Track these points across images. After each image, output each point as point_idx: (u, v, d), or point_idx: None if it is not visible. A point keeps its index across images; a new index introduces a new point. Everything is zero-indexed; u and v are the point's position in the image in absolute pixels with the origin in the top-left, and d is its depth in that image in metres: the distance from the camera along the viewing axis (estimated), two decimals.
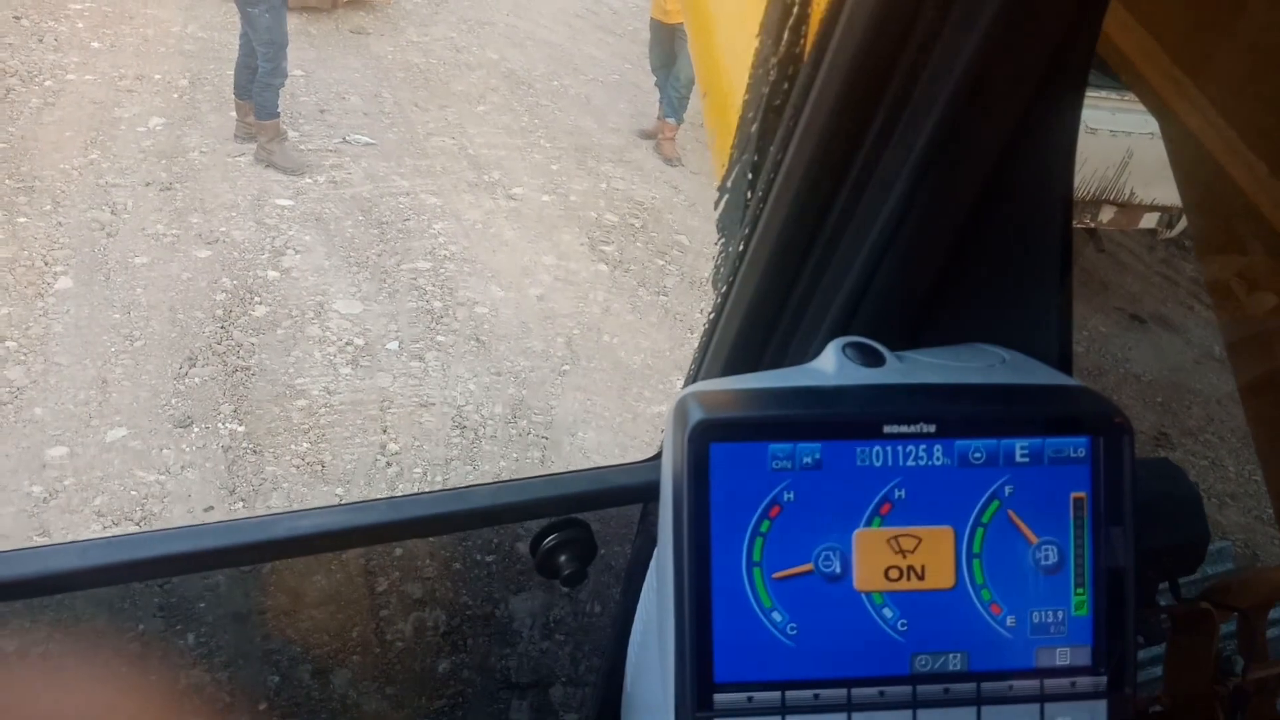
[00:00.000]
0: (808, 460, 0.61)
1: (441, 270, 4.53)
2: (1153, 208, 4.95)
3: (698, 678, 0.60)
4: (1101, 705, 0.62)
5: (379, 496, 0.94)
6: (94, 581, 0.77)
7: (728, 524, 0.61)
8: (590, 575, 1.00)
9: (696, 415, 0.61)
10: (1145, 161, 4.51)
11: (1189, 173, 1.22)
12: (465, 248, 4.71)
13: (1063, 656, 0.63)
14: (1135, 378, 4.88)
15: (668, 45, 5.84)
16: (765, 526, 0.61)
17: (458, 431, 3.70)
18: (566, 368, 4.11)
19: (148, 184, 4.76)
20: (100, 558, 0.75)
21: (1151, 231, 5.28)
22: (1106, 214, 4.96)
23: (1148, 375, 4.92)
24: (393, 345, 4.03)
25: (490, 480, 0.85)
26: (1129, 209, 4.94)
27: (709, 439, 0.60)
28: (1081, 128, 0.76)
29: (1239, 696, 1.24)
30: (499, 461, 3.62)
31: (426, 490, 0.90)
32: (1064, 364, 0.74)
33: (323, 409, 3.67)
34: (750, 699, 0.60)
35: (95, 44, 6.01)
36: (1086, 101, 0.75)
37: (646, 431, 3.88)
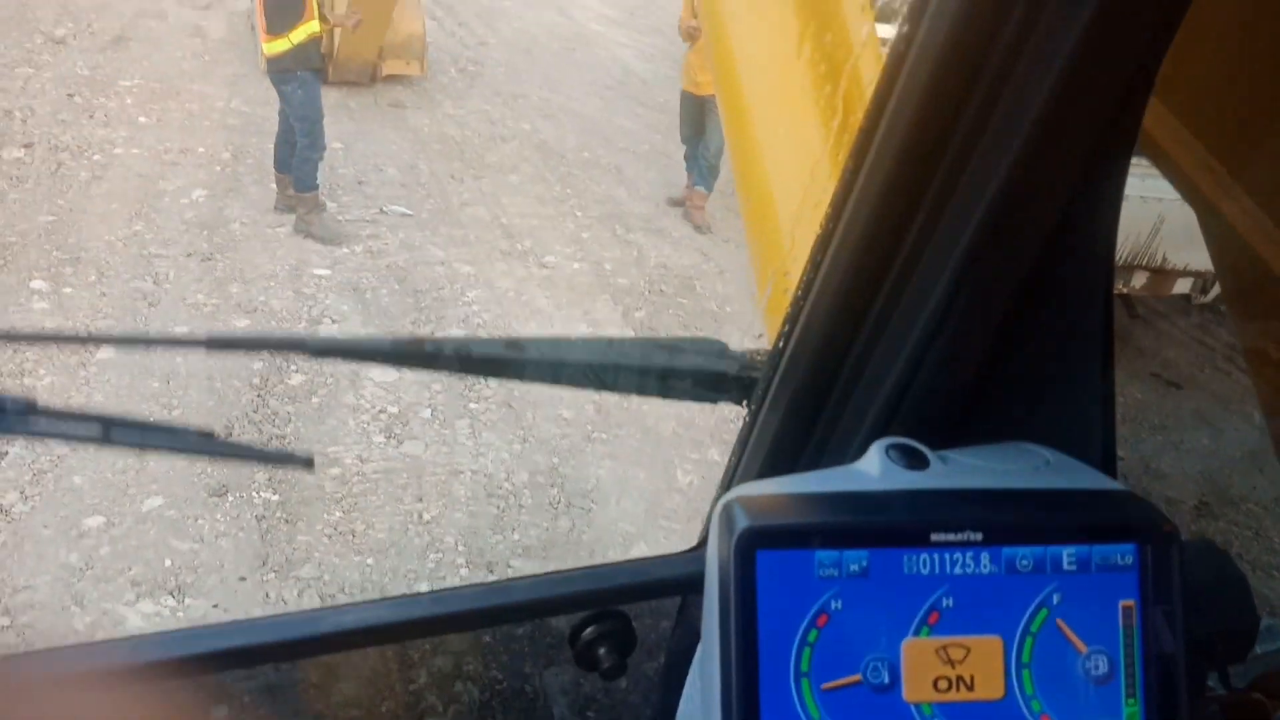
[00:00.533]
0: (855, 568, 0.61)
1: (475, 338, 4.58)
2: (1185, 273, 4.92)
3: None
4: None
5: (416, 592, 0.95)
6: (134, 679, 0.78)
7: (775, 633, 0.60)
8: (629, 667, 1.00)
9: (743, 522, 0.61)
10: (1177, 227, 4.50)
11: (1228, 260, 1.22)
12: (498, 315, 4.77)
13: None
14: (1174, 445, 4.80)
15: (698, 116, 5.95)
16: (813, 636, 0.61)
17: (489, 500, 3.70)
18: (596, 435, 4.12)
19: (189, 254, 4.88)
20: (140, 655, 0.75)
21: (1185, 297, 5.24)
22: (1139, 279, 4.94)
23: (1186, 443, 4.84)
24: (426, 413, 4.07)
25: (530, 574, 0.86)
26: (1162, 274, 4.92)
27: (755, 546, 0.60)
28: None
29: None
30: (530, 530, 3.62)
31: (467, 584, 0.91)
32: (1107, 463, 0.74)
33: (356, 477, 3.70)
34: None
35: (143, 119, 6.23)
36: None
37: (676, 500, 3.86)
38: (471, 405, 4.16)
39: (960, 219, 0.69)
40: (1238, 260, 1.11)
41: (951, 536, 0.61)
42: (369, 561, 3.39)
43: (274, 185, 5.38)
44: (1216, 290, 5.02)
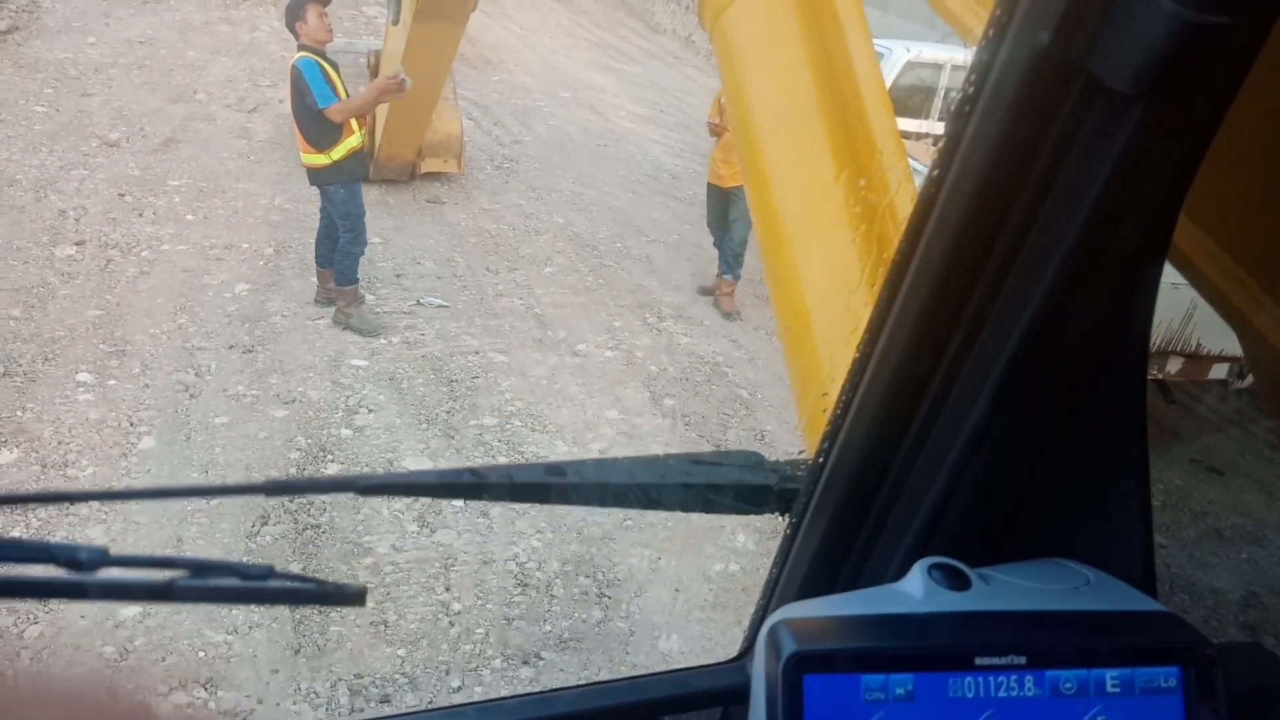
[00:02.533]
0: (900, 692, 0.62)
1: (507, 426, 4.62)
2: (1221, 358, 4.89)
3: None
4: None
5: (466, 702, 0.96)
6: None
7: None
8: None
9: (790, 646, 0.63)
10: (1210, 312, 4.47)
11: (1264, 370, 1.23)
12: (531, 404, 4.82)
13: None
14: (1216, 533, 4.70)
15: (723, 206, 6.08)
16: None
17: (520, 590, 3.69)
18: (629, 523, 4.11)
19: (231, 347, 4.99)
20: None
21: (1222, 382, 5.19)
22: (1174, 365, 4.90)
23: (1229, 531, 4.74)
24: (459, 501, 4.09)
25: (574, 685, 0.87)
26: (1197, 360, 4.88)
27: (803, 671, 0.62)
28: None
29: None
30: (561, 621, 3.59)
31: (512, 695, 0.91)
32: (1147, 580, 0.75)
33: (389, 566, 3.71)
34: None
35: (190, 216, 6.45)
36: None
37: (709, 590, 3.82)
38: None
39: (997, 341, 0.71)
40: (1273, 369, 1.12)
41: (996, 660, 0.63)
42: (400, 653, 3.37)
43: (314, 279, 5.52)
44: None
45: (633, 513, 4.16)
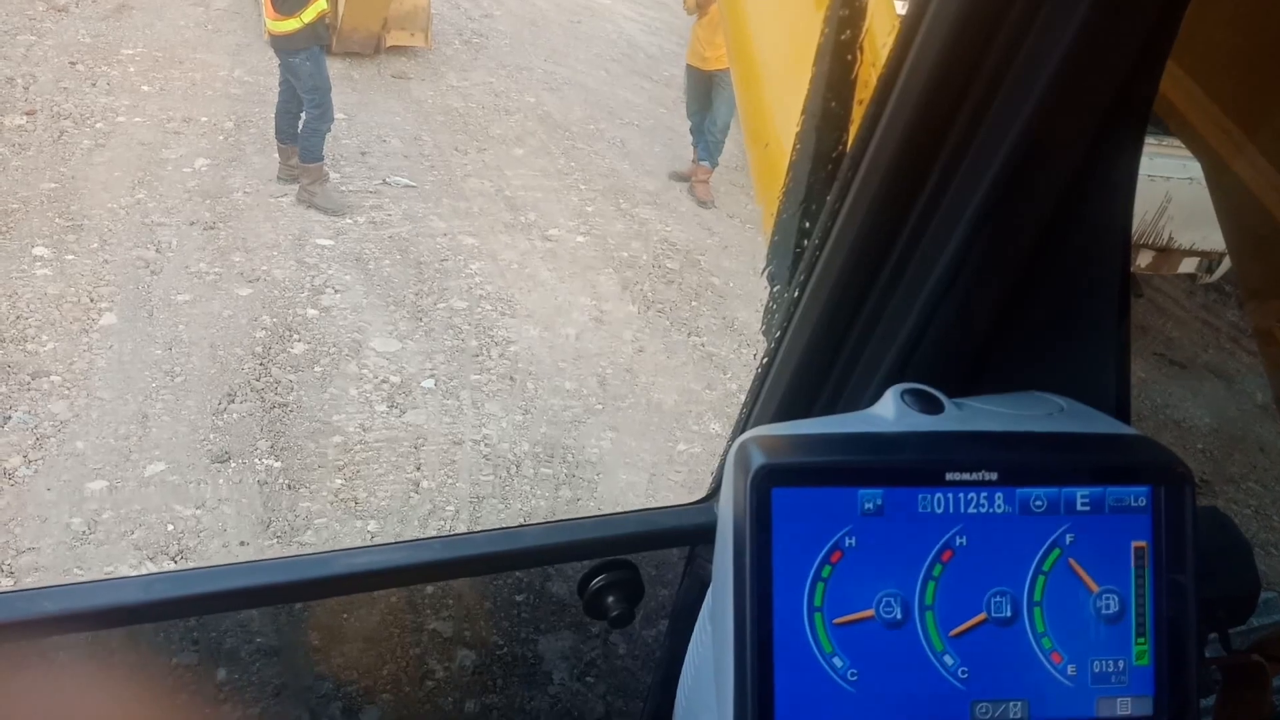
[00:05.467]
0: (870, 506, 0.61)
1: (477, 310, 4.58)
2: (1191, 252, 4.90)
3: None
4: None
5: (428, 535, 0.95)
6: (145, 617, 0.79)
7: (789, 569, 0.61)
8: (638, 616, 1.01)
9: (759, 460, 0.61)
10: (1183, 206, 4.48)
11: (1238, 221, 1.22)
12: (501, 288, 4.76)
13: (1123, 706, 0.62)
14: (1175, 424, 4.81)
15: (704, 90, 5.92)
16: (827, 572, 0.61)
17: (490, 469, 3.72)
18: (600, 406, 4.12)
19: (192, 223, 4.87)
20: (152, 594, 0.76)
21: (1191, 276, 5.23)
22: (1144, 259, 4.92)
23: (1187, 421, 4.85)
24: (428, 383, 4.07)
25: (540, 520, 0.86)
26: (1167, 254, 4.90)
27: (771, 484, 0.61)
28: None
29: None
30: (530, 500, 3.63)
31: (479, 529, 0.90)
32: (1121, 411, 0.74)
33: (358, 445, 3.70)
34: None
35: (145, 88, 6.20)
36: None
37: (679, 472, 3.87)
38: (474, 376, 4.17)
39: (977, 171, 0.69)
40: (1247, 219, 1.11)
41: (966, 476, 0.61)
42: (370, 527, 3.40)
43: (277, 155, 5.36)
44: (1222, 270, 5.01)
45: (603, 396, 4.17)
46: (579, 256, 5.18)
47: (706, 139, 5.96)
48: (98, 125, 5.63)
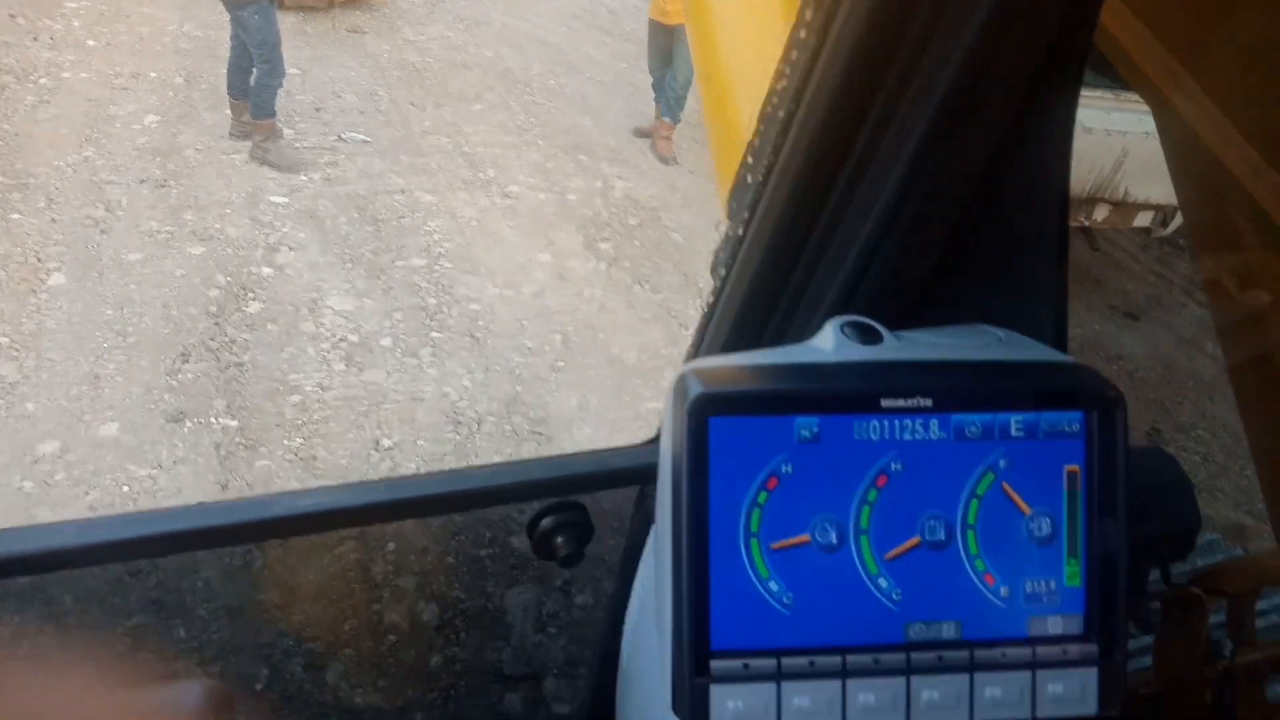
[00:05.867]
0: (805, 434, 0.62)
1: (436, 267, 4.53)
2: (1147, 206, 4.97)
3: (695, 645, 0.60)
4: (1093, 673, 0.62)
5: (378, 479, 0.94)
6: (93, 559, 0.78)
7: (726, 495, 0.61)
8: (587, 556, 1.01)
9: (696, 389, 0.61)
10: (1140, 160, 4.53)
11: (1185, 165, 1.23)
12: (460, 245, 4.71)
13: (1055, 625, 0.63)
14: (1129, 375, 4.89)
15: (666, 45, 5.85)
16: (763, 498, 0.61)
17: (451, 427, 3.70)
18: (561, 364, 4.11)
19: (142, 181, 4.75)
20: (101, 535, 0.75)
21: (1145, 230, 5.30)
22: (1101, 212, 4.97)
23: (1141, 372, 4.93)
24: (386, 341, 4.03)
25: (488, 462, 0.85)
26: (1123, 207, 4.96)
27: (708, 413, 0.61)
28: (1077, 127, 0.77)
29: (1227, 679, 1.25)
30: (493, 457, 3.62)
31: (426, 472, 0.89)
32: (1059, 343, 0.75)
33: (316, 404, 3.67)
34: (746, 666, 0.61)
35: (91, 42, 6.01)
36: (1081, 101, 0.76)
37: (642, 429, 3.88)
38: (434, 334, 4.13)
39: (918, 106, 0.69)
40: (1193, 162, 1.12)
41: (901, 403, 0.62)
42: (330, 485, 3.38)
43: (228, 111, 5.24)
44: (1176, 223, 5.08)
45: (564, 354, 4.16)
46: (539, 213, 5.13)
47: (668, 94, 5.91)
48: (41, 81, 5.46)
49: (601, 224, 5.15)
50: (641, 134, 6.12)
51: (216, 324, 3.94)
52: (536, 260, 4.75)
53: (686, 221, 5.34)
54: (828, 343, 0.68)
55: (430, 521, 2.97)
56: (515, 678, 2.61)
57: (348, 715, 2.42)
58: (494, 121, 6.01)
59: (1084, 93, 0.77)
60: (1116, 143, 4.46)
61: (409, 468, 3.49)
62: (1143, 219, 5.10)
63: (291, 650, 2.75)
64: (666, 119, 5.94)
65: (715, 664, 0.61)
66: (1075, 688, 0.63)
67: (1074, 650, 0.63)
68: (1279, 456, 1.40)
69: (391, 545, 3.04)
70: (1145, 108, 1.12)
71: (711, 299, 0.83)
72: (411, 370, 3.94)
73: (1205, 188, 1.25)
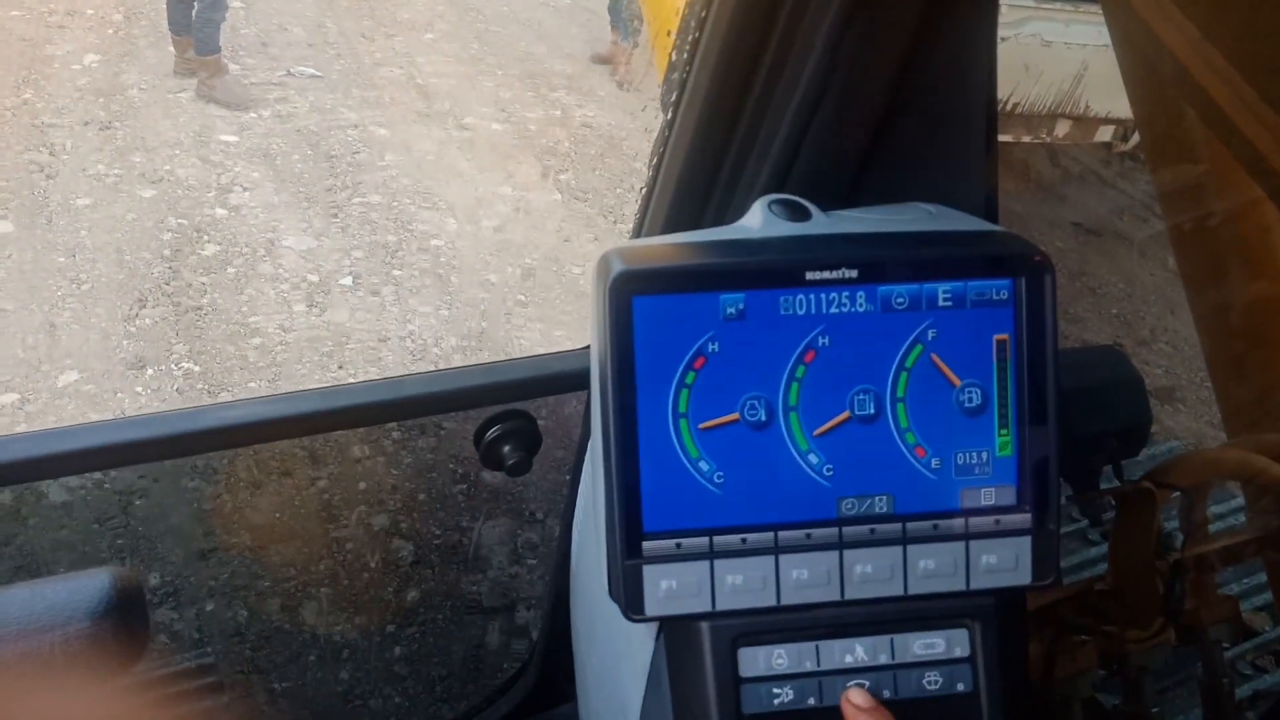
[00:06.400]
0: (731, 311, 0.61)
1: (395, 204, 4.45)
2: (1108, 120, 4.95)
3: (626, 527, 0.60)
4: (1026, 542, 0.63)
5: (308, 389, 0.92)
6: (23, 476, 0.76)
7: (653, 376, 0.60)
8: (534, 466, 1.00)
9: (618, 268, 0.60)
10: (1100, 74, 4.50)
11: (1139, 70, 1.21)
12: (418, 180, 4.63)
13: (987, 496, 0.64)
14: (1091, 291, 4.93)
15: None
16: (690, 378, 0.61)
17: (417, 365, 3.67)
18: (525, 299, 4.08)
19: (86, 123, 4.61)
20: (22, 452, 0.74)
21: (1106, 145, 5.30)
22: (1062, 128, 4.96)
23: (1103, 288, 4.97)
24: (347, 280, 3.98)
25: (427, 370, 0.83)
26: (1084, 122, 4.95)
27: (631, 291, 0.60)
28: (1036, 40, 0.76)
29: (1178, 570, 1.27)
30: (479, 414, 3.60)
31: (362, 380, 0.87)
32: (990, 216, 0.74)
33: (279, 347, 3.62)
34: (679, 545, 0.60)
35: None
36: (1040, 14, 0.74)
37: None
38: (395, 272, 4.08)
39: None
40: (1138, 43, 1.10)
41: (826, 275, 0.61)
42: None
43: (171, 48, 5.07)
44: (1136, 137, 5.08)
45: (528, 289, 4.13)
46: (497, 145, 5.04)
47: (624, 18, 5.78)
48: None
49: (562, 154, 5.07)
50: (599, 60, 6.00)
51: (172, 268, 3.86)
52: (496, 193, 4.68)
53: (648, 150, 5.27)
54: (755, 221, 0.67)
55: (402, 459, 2.95)
56: (493, 609, 2.64)
57: (326, 652, 2.44)
58: (447, 51, 5.87)
59: (1043, 5, 0.76)
60: (1076, 56, 4.42)
61: None
62: (1104, 134, 5.09)
63: (267, 592, 2.75)
64: (624, 43, 5.83)
65: (648, 545, 0.60)
66: (1009, 558, 0.63)
67: (1007, 520, 0.63)
68: (1228, 358, 1.41)
69: (362, 485, 3.04)
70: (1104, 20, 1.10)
71: (646, 188, 0.81)
72: (374, 309, 3.89)
73: (1159, 91, 1.24)
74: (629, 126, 5.47)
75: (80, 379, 3.34)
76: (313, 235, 4.17)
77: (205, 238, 4.04)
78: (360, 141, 4.82)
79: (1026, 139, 5.01)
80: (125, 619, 0.52)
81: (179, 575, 2.62)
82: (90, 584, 0.51)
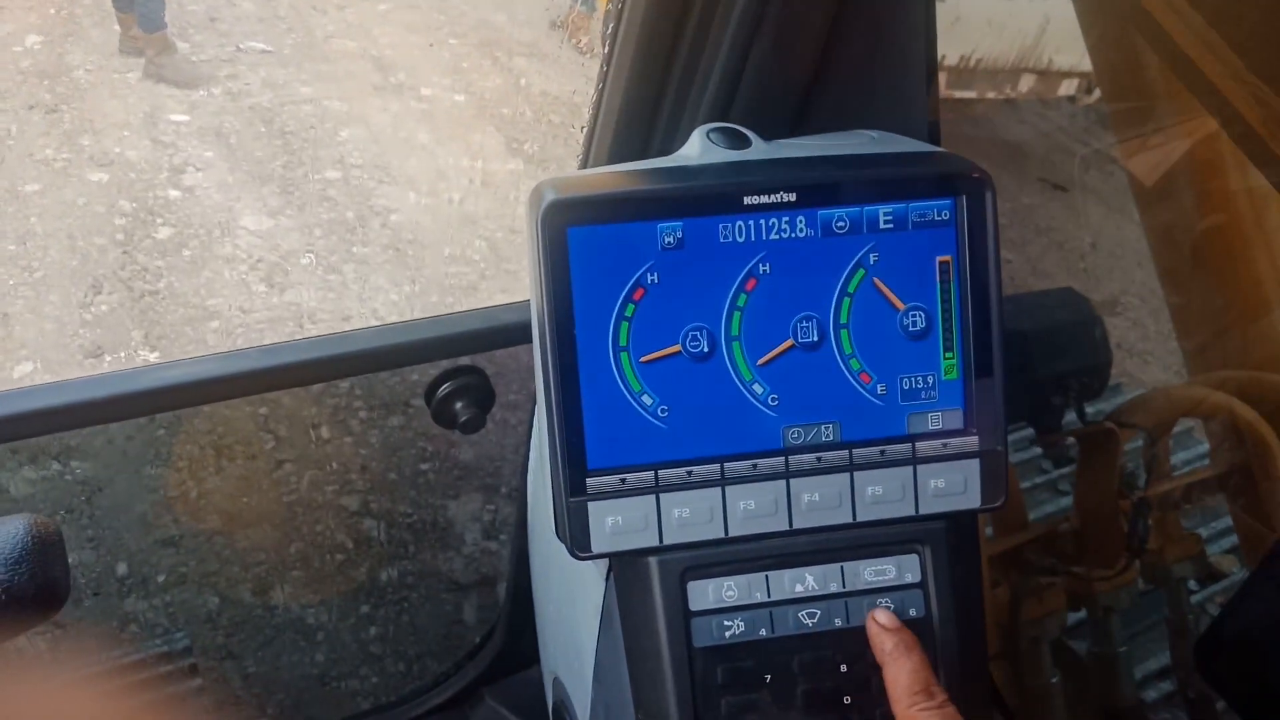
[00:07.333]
0: (669, 240, 0.59)
1: (352, 179, 4.39)
2: (1071, 74, 4.97)
3: (570, 465, 0.59)
4: (974, 464, 0.62)
5: (248, 347, 0.90)
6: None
7: (591, 310, 0.59)
8: (489, 423, 0.99)
9: (550, 198, 0.58)
10: (1063, 27, 4.52)
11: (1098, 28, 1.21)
12: (376, 154, 4.56)
13: (934, 420, 0.63)
14: (1058, 246, 4.96)
15: None
16: (630, 310, 0.59)
17: None
18: (490, 271, 4.05)
19: (31, 107, 4.50)
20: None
21: (1070, 99, 5.31)
22: (1026, 83, 4.97)
23: (1069, 243, 5.00)
24: (307, 259, 3.92)
25: (373, 324, 0.81)
26: (1048, 76, 4.96)
27: (565, 222, 0.58)
28: None
29: (1141, 508, 1.28)
30: (430, 371, 3.57)
31: (304, 337, 0.85)
32: (934, 142, 0.73)
33: (239, 329, 3.57)
34: (623, 481, 0.59)
35: None
36: None
37: None
38: (356, 249, 4.03)
39: None
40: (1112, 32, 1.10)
41: (765, 199, 0.59)
42: (262, 411, 3.32)
43: (117, 27, 4.95)
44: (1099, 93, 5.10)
45: (491, 260, 4.09)
46: (456, 116, 4.98)
47: None
48: None
49: (522, 124, 5.01)
50: (558, 26, 5.93)
51: (126, 252, 3.79)
52: (457, 165, 4.62)
53: None
54: (694, 150, 0.65)
55: (370, 437, 2.92)
56: (468, 585, 2.63)
57: (300, 635, 2.42)
58: (402, 21, 5.77)
59: None
60: (1038, 9, 4.43)
61: (343, 387, 3.44)
62: (1067, 87, 5.11)
63: (238, 578, 2.73)
64: (582, 8, 5.76)
65: (592, 481, 0.59)
66: (957, 481, 0.62)
67: (954, 444, 0.62)
68: (1189, 300, 1.42)
69: (334, 465, 3.01)
70: None
71: (588, 123, 0.80)
72: (336, 288, 3.84)
73: (1116, 27, 1.23)
74: (589, 92, 5.43)
75: (37, 368, 3.28)
76: (270, 214, 4.10)
77: (159, 220, 3.97)
78: (315, 117, 4.74)
79: (990, 95, 5.02)
80: (44, 566, 0.50)
81: (144, 565, 2.59)
82: (5, 531, 0.49)
